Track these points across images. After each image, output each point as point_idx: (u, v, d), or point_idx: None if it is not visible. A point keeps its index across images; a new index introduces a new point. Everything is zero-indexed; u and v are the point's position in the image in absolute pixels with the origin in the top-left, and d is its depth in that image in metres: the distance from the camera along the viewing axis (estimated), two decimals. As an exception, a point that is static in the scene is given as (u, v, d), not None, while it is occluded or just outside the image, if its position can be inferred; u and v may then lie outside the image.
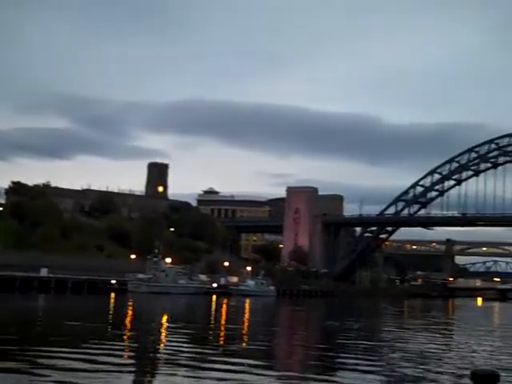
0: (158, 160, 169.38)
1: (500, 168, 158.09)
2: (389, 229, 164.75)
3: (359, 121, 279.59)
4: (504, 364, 25.61)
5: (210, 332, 37.39)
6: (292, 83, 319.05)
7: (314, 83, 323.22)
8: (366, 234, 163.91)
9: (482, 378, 4.32)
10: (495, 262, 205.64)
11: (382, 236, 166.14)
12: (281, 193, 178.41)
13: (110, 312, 52.53)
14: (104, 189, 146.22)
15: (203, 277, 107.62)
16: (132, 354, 25.71)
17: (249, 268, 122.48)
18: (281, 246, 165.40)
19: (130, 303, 63.08)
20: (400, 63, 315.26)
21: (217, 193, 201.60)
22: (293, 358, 27.77)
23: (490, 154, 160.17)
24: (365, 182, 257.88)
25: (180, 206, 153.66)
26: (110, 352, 23.62)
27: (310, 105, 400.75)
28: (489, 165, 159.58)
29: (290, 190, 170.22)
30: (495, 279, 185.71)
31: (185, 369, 20.71)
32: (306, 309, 76.61)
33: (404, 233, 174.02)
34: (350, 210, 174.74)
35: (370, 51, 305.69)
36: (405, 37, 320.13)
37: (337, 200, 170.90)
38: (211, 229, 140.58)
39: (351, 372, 21.82)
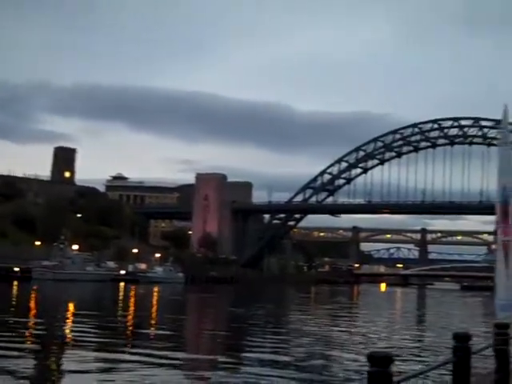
0: (65, 144, 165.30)
1: (404, 157, 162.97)
2: (297, 216, 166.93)
3: (270, 108, 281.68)
4: (400, 345, 26.52)
5: (117, 319, 36.93)
6: (204, 70, 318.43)
7: (226, 70, 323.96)
8: (275, 221, 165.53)
9: (378, 360, 4.40)
10: (398, 248, 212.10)
11: (290, 223, 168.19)
12: (190, 179, 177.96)
13: (13, 300, 51.00)
14: (7, 173, 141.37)
15: (111, 264, 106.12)
16: (35, 341, 25.07)
17: (157, 255, 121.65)
18: (190, 232, 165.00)
19: (34, 291, 61.46)
20: (312, 52, 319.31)
21: (125, 178, 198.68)
22: (198, 344, 27.82)
23: (395, 144, 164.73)
24: (274, 170, 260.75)
25: (87, 192, 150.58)
26: (11, 339, 22.98)
27: (220, 91, 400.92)
28: (393, 154, 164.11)
29: (199, 176, 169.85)
30: (398, 265, 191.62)
31: (91, 357, 20.37)
32: (213, 295, 76.82)
33: (312, 220, 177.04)
34: (259, 197, 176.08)
35: (282, 40, 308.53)
36: (317, 27, 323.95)
37: (246, 187, 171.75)
38: (119, 215, 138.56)
39: (255, 358, 22.01)
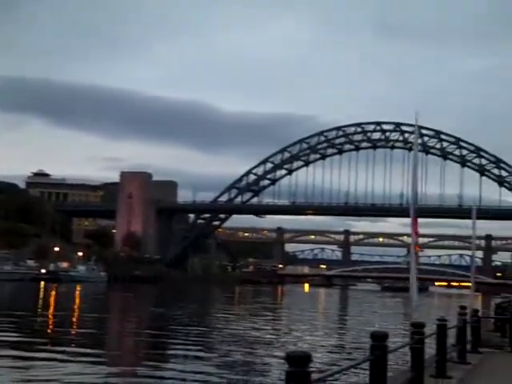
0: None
1: (328, 159, 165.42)
2: (222, 216, 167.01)
3: (195, 107, 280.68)
4: (321, 344, 26.88)
5: (36, 320, 36.05)
6: (130, 66, 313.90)
7: (152, 67, 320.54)
8: (200, 221, 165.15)
9: (295, 360, 4.44)
10: (322, 249, 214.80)
11: (215, 223, 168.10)
12: (114, 177, 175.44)
13: None
14: None
15: (31, 262, 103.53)
16: None
17: (80, 253, 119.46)
18: (114, 231, 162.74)
19: None
20: (237, 52, 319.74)
21: (47, 175, 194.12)
22: (118, 345, 27.48)
23: (319, 146, 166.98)
24: (199, 169, 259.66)
25: (6, 188, 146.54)
26: None
27: (145, 89, 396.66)
28: (318, 156, 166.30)
29: (123, 174, 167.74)
30: (322, 266, 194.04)
31: (8, 359, 19.83)
32: (136, 295, 76.01)
33: (237, 220, 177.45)
34: (184, 196, 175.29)
35: (207, 38, 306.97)
36: (243, 26, 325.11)
37: (171, 186, 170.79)
38: (40, 212, 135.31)
39: (176, 357, 21.92)
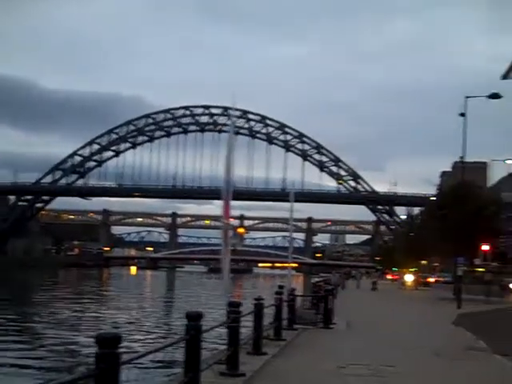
0: None
1: (156, 142, 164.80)
2: (45, 198, 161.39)
3: (13, 84, 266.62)
4: (142, 326, 26.97)
5: None
6: None
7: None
8: (21, 203, 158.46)
9: (105, 341, 4.47)
10: (149, 231, 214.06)
11: (38, 205, 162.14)
12: None
13: None
14: None
15: None
16: None
17: None
18: None
19: None
20: (63, 28, 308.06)
21: None
22: None
23: (147, 128, 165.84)
24: (20, 149, 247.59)
25: None
26: None
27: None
28: (146, 138, 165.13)
29: None
30: (148, 248, 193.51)
31: None
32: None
33: (62, 202, 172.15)
34: (3, 176, 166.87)
35: (35, 14, 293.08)
36: (67, 2, 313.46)
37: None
38: None
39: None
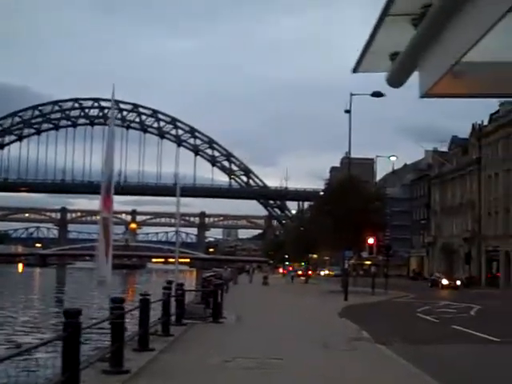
0: None
1: (44, 134, 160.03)
2: None
3: None
4: (24, 326, 26.15)
5: None
6: None
7: None
8: None
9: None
10: (38, 227, 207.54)
11: None
12: None
13: None
14: None
15: None
16: None
17: None
18: None
19: None
20: None
21: None
22: None
23: (34, 120, 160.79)
24: None
25: None
26: None
27: None
28: (32, 130, 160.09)
29: None
30: (37, 245, 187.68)
31: None
32: None
33: None
34: None
35: None
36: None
37: None
38: None
39: None
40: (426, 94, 2.20)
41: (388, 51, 2.26)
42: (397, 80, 2.35)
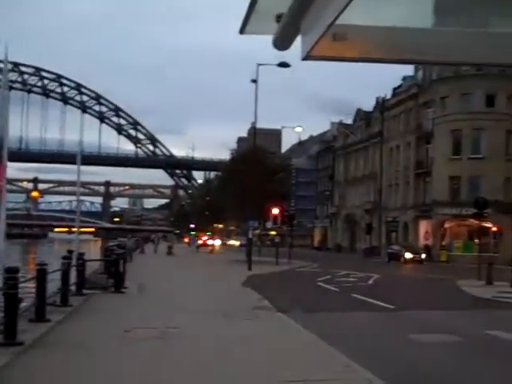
0: None
1: None
2: None
3: None
4: None
5: None
6: None
7: None
8: None
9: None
10: None
11: None
12: None
13: None
14: None
15: None
16: None
17: None
18: None
19: None
20: None
21: None
22: None
23: None
24: None
25: None
26: None
27: None
28: None
29: None
30: None
31: None
32: None
33: None
34: None
35: None
36: None
37: None
38: None
39: None
40: (307, 56, 2.16)
41: (272, 12, 2.20)
42: (281, 43, 2.29)
